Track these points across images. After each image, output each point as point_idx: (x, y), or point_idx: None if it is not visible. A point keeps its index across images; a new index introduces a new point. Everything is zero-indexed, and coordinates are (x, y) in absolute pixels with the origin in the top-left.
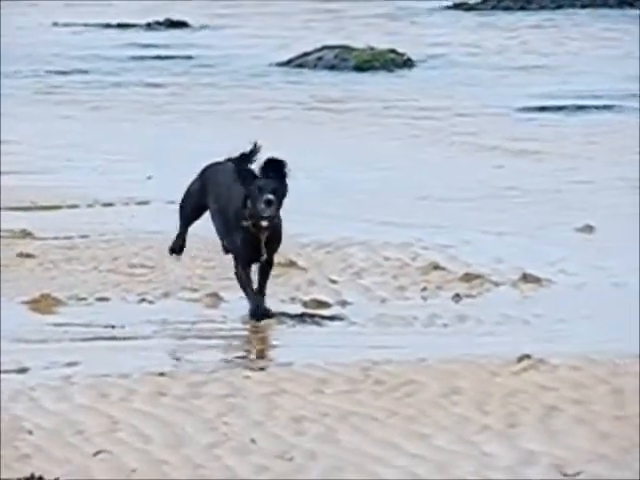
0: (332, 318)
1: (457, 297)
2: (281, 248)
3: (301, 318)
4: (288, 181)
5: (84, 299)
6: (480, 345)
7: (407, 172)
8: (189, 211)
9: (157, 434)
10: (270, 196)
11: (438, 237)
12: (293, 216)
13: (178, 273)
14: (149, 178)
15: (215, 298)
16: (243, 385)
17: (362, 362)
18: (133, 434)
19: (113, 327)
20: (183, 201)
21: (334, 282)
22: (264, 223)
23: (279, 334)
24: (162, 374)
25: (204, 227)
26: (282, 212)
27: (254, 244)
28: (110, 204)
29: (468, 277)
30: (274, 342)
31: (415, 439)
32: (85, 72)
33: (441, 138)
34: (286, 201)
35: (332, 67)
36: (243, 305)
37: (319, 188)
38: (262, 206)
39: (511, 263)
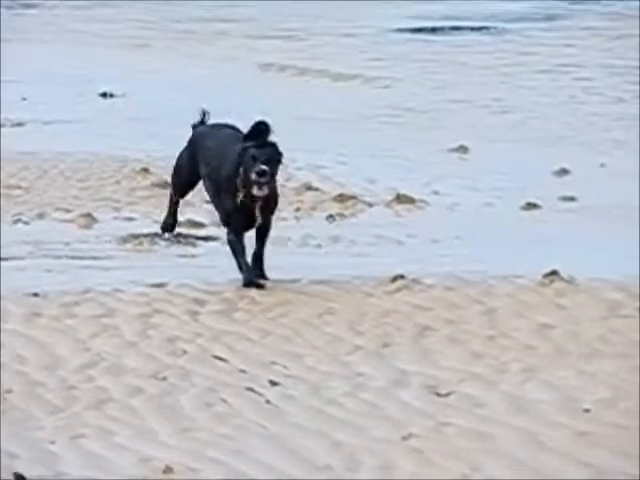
0: (206, 238)
1: (331, 218)
2: (156, 169)
3: (175, 238)
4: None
5: None
6: (354, 265)
7: (277, 95)
8: (183, 182)
9: (32, 355)
10: (263, 167)
11: (312, 158)
12: (165, 140)
13: (53, 194)
14: (24, 100)
15: (89, 219)
16: (117, 306)
17: (236, 282)
18: (8, 355)
19: None
20: (175, 172)
21: (209, 202)
22: (258, 194)
23: (153, 254)
24: (36, 295)
25: (76, 147)
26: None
27: (248, 212)
28: None
29: (342, 198)
30: (148, 263)
31: (289, 359)
32: None
33: (313, 60)
34: (157, 122)
35: None
36: (116, 226)
37: (187, 111)
38: (255, 177)
39: (384, 184)
